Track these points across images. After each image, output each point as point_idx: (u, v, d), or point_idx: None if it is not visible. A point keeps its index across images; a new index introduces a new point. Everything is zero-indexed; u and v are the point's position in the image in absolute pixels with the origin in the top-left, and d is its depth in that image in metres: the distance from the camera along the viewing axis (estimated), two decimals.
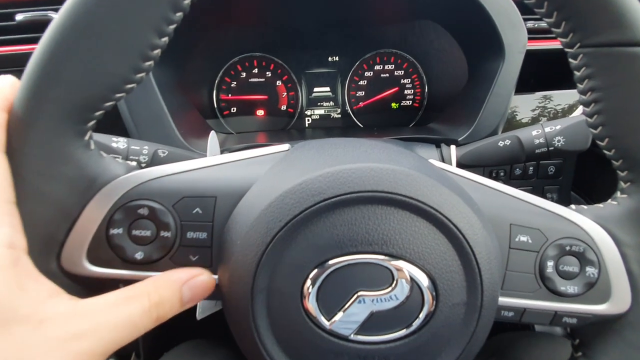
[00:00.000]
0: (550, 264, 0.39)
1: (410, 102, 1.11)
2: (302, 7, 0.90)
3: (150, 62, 0.37)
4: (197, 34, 0.87)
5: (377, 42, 1.07)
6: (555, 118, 0.95)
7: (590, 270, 0.39)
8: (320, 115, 1.12)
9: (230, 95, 1.07)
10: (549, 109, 0.98)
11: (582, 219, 0.40)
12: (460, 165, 0.76)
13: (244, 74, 1.07)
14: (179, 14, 0.36)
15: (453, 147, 0.76)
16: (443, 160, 0.76)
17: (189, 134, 0.81)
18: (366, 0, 0.86)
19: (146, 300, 0.32)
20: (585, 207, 0.42)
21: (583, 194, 1.09)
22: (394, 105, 1.11)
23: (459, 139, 0.84)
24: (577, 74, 0.37)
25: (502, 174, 1.10)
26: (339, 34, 1.05)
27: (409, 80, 1.10)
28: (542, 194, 1.06)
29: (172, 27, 0.36)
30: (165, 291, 0.33)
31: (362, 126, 1.12)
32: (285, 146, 0.44)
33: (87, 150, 0.38)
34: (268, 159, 0.42)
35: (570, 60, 0.37)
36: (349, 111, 1.11)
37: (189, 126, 0.82)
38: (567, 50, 0.37)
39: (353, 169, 0.36)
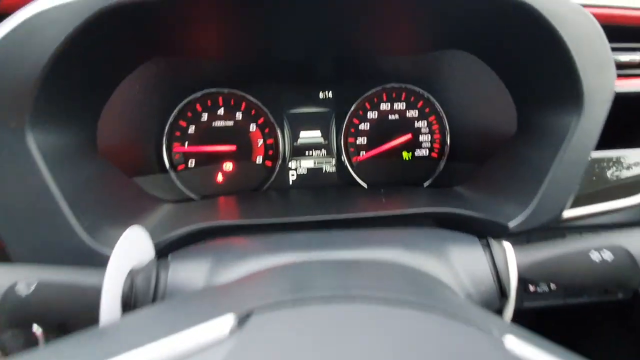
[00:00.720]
0: None
1: (427, 151, 0.85)
2: (284, 37, 0.63)
3: None
4: (117, 68, 0.59)
5: (383, 74, 0.81)
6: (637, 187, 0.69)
7: None
8: (308, 168, 0.85)
9: (186, 144, 0.80)
10: (619, 170, 0.72)
11: None
12: (522, 279, 0.49)
13: (205, 116, 0.80)
14: None
15: (509, 247, 0.49)
16: (495, 266, 0.49)
17: (106, 221, 0.53)
18: (379, 27, 0.59)
19: None
20: None
21: None
22: (405, 155, 0.85)
23: (510, 225, 0.57)
24: None
25: None
26: (332, 64, 0.79)
27: (425, 123, 0.84)
28: None
29: None
30: None
31: (365, 185, 0.85)
32: (222, 332, 0.26)
33: None
34: None
35: None
36: (346, 164, 0.85)
37: (106, 209, 0.54)
38: None
39: None
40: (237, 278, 0.42)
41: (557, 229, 0.66)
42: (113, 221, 0.53)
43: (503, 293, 0.49)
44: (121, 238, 0.45)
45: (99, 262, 0.49)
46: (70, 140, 0.50)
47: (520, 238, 0.68)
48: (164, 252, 0.54)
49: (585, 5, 0.48)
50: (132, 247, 0.47)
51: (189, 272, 0.46)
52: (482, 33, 0.57)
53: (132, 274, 0.46)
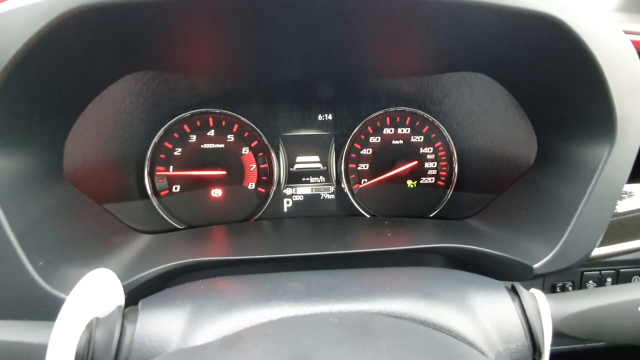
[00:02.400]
0: None
1: (433, 179, 0.79)
2: (282, 57, 0.57)
3: None
4: (90, 82, 0.52)
5: (386, 97, 0.76)
6: None
7: None
8: (304, 195, 0.78)
9: (171, 168, 0.72)
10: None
11: None
12: (558, 333, 0.41)
13: (193, 138, 0.73)
14: None
15: (541, 296, 0.42)
16: (527, 319, 0.41)
17: (67, 260, 0.45)
18: (386, 49, 0.53)
19: None
20: None
21: None
22: (410, 183, 0.79)
23: (535, 266, 0.50)
24: None
25: (570, 287, 0.77)
26: (333, 85, 0.74)
27: (431, 149, 0.79)
28: None
29: None
30: None
31: (367, 215, 0.78)
32: None
33: None
34: None
35: None
36: (347, 191, 0.78)
37: (69, 245, 0.46)
38: None
39: None
40: (220, 338, 0.34)
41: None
42: (76, 260, 0.45)
43: (536, 349, 0.41)
44: (79, 283, 0.37)
45: (56, 308, 0.41)
46: (28, 165, 0.42)
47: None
48: (135, 295, 0.46)
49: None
50: (94, 294, 0.39)
51: (161, 326, 0.38)
52: (503, 54, 0.52)
53: (90, 327, 0.37)
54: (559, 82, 0.49)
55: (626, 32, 0.44)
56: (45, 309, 0.42)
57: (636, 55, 0.44)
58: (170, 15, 0.39)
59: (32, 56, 0.36)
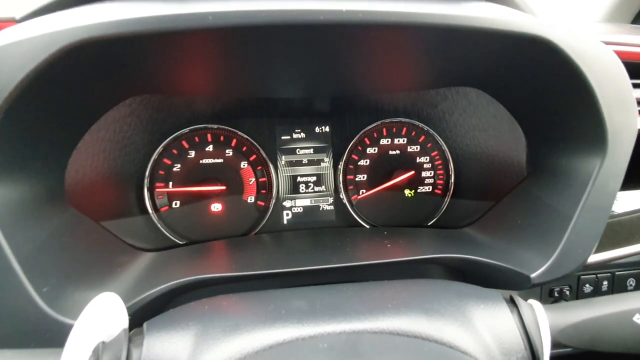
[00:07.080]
0: None
1: (430, 187, 0.80)
2: (279, 76, 0.58)
3: None
4: (90, 108, 0.52)
5: (382, 109, 0.77)
6: None
7: None
8: (304, 207, 0.79)
9: (171, 184, 0.73)
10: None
11: None
12: (557, 344, 0.42)
13: (192, 153, 0.74)
14: None
15: (539, 307, 0.43)
16: (526, 331, 0.42)
17: (70, 284, 0.45)
18: (381, 67, 0.54)
19: None
20: None
21: None
22: (408, 192, 0.80)
23: (532, 276, 0.51)
24: None
25: (567, 291, 0.78)
26: (329, 99, 0.75)
27: (428, 159, 0.80)
28: None
29: None
30: None
31: (366, 225, 0.79)
32: None
33: None
34: None
35: None
36: (345, 202, 0.79)
37: (72, 269, 0.46)
38: None
39: None
40: None
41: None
42: (79, 283, 0.45)
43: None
44: (85, 310, 0.38)
45: (61, 334, 0.41)
46: (30, 192, 0.42)
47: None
48: (138, 315, 0.46)
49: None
50: (100, 318, 0.40)
51: (168, 349, 0.38)
52: (496, 71, 0.53)
53: (97, 352, 0.38)
54: (550, 98, 0.51)
55: (613, 43, 0.46)
56: (51, 335, 0.43)
57: (624, 69, 0.45)
58: (169, 44, 0.39)
59: (32, 88, 0.36)
